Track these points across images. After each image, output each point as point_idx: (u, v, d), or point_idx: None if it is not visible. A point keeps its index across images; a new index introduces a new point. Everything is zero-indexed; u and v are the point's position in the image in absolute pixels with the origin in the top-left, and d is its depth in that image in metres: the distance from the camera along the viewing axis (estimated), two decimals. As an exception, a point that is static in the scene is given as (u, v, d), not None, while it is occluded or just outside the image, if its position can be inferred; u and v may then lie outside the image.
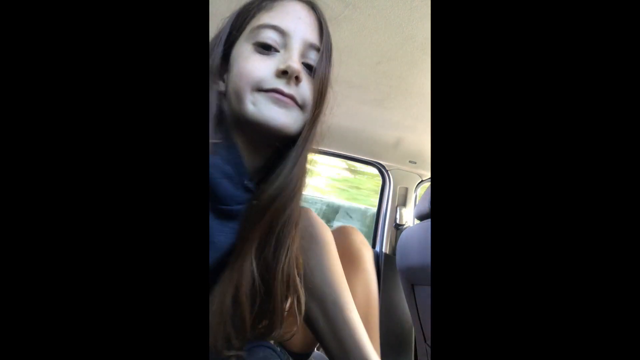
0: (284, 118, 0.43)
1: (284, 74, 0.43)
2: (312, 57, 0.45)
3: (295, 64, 0.42)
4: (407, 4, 0.79)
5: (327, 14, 0.86)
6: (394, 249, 1.76)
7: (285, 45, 0.44)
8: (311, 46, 0.45)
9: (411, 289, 1.11)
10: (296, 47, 0.44)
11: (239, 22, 0.48)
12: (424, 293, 1.01)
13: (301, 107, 0.45)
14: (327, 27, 0.48)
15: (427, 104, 1.20)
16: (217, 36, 0.49)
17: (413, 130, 1.46)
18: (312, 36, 0.45)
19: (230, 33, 0.48)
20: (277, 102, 0.43)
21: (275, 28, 0.43)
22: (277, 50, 0.44)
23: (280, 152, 0.47)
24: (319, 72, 0.45)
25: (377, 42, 0.93)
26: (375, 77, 1.10)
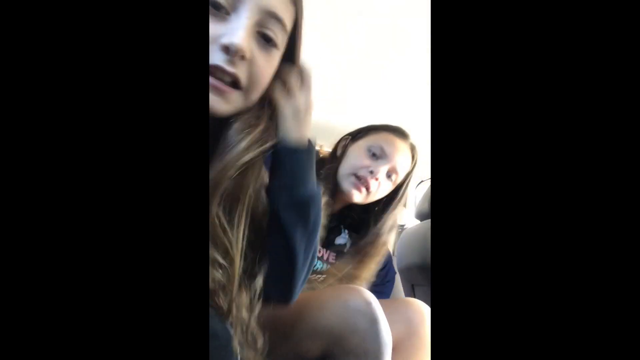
0: (221, 107, 0.37)
1: (226, 49, 0.35)
2: (272, 28, 0.37)
3: (240, 40, 0.34)
4: (407, 4, 0.79)
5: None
6: (394, 249, 1.76)
7: (236, 9, 0.35)
8: (271, 15, 0.36)
9: (411, 288, 1.11)
10: (246, 15, 0.35)
11: None
12: (424, 293, 1.01)
13: (244, 88, 0.37)
14: None
15: (427, 104, 1.20)
16: None
17: (413, 130, 1.46)
18: (277, 4, 0.36)
19: None
20: (214, 90, 0.36)
21: None
22: (227, 13, 0.35)
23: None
24: (281, 48, 0.36)
25: (377, 42, 0.93)
26: (376, 76, 1.10)
